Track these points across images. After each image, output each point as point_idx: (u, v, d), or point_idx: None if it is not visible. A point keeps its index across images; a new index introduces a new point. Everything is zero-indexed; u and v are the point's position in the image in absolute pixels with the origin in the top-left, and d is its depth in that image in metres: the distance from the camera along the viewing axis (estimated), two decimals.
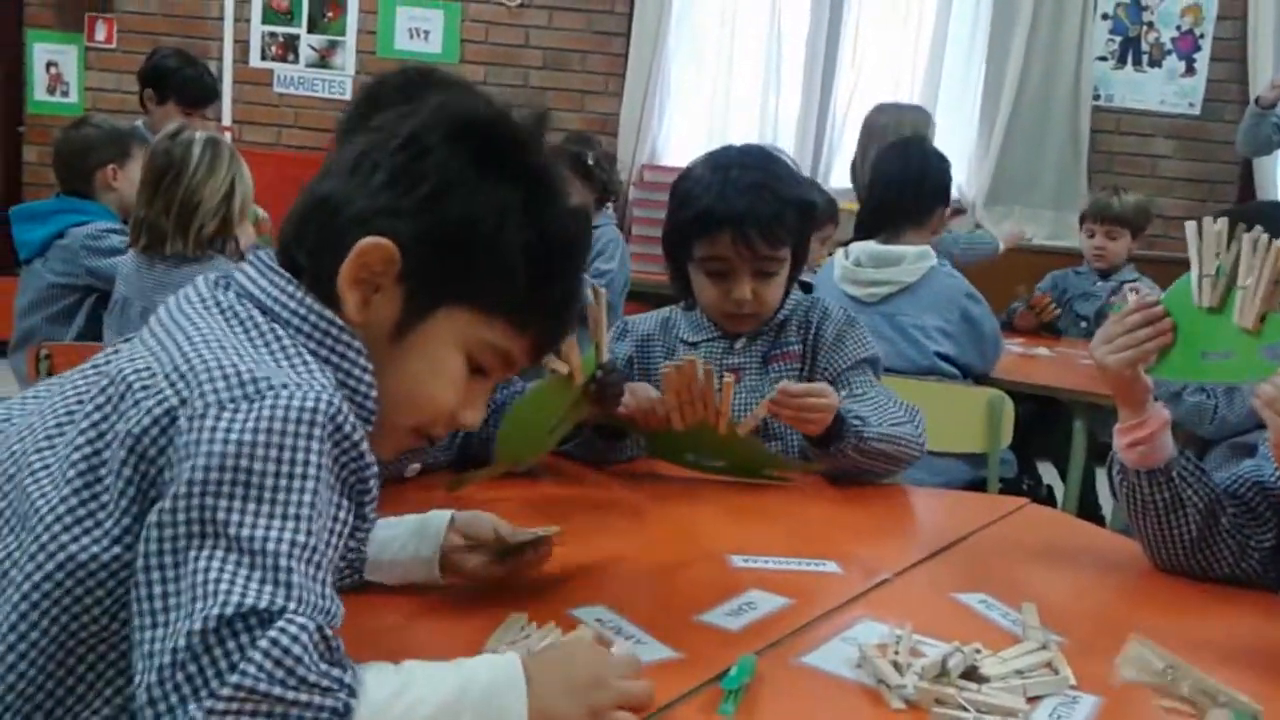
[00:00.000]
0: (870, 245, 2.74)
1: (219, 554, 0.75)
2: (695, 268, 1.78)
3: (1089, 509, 3.26)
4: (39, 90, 5.41)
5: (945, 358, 2.67)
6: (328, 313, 0.89)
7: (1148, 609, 1.32)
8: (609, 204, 4.17)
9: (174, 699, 0.72)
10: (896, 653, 1.03)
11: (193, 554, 0.75)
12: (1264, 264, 1.19)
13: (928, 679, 0.97)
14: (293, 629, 0.74)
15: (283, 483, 0.78)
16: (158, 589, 0.76)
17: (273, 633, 0.73)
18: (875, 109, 4.05)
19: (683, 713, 0.93)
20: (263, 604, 0.74)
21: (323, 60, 5.40)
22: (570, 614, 1.09)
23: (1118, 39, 5.38)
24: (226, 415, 0.78)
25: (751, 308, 1.75)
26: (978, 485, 2.58)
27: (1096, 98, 5.36)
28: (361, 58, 5.37)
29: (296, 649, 0.73)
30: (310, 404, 0.80)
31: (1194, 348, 1.26)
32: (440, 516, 1.17)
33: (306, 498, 0.79)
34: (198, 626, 0.72)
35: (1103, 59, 5.39)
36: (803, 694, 1.00)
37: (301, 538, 0.78)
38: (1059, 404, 3.07)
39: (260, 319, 0.88)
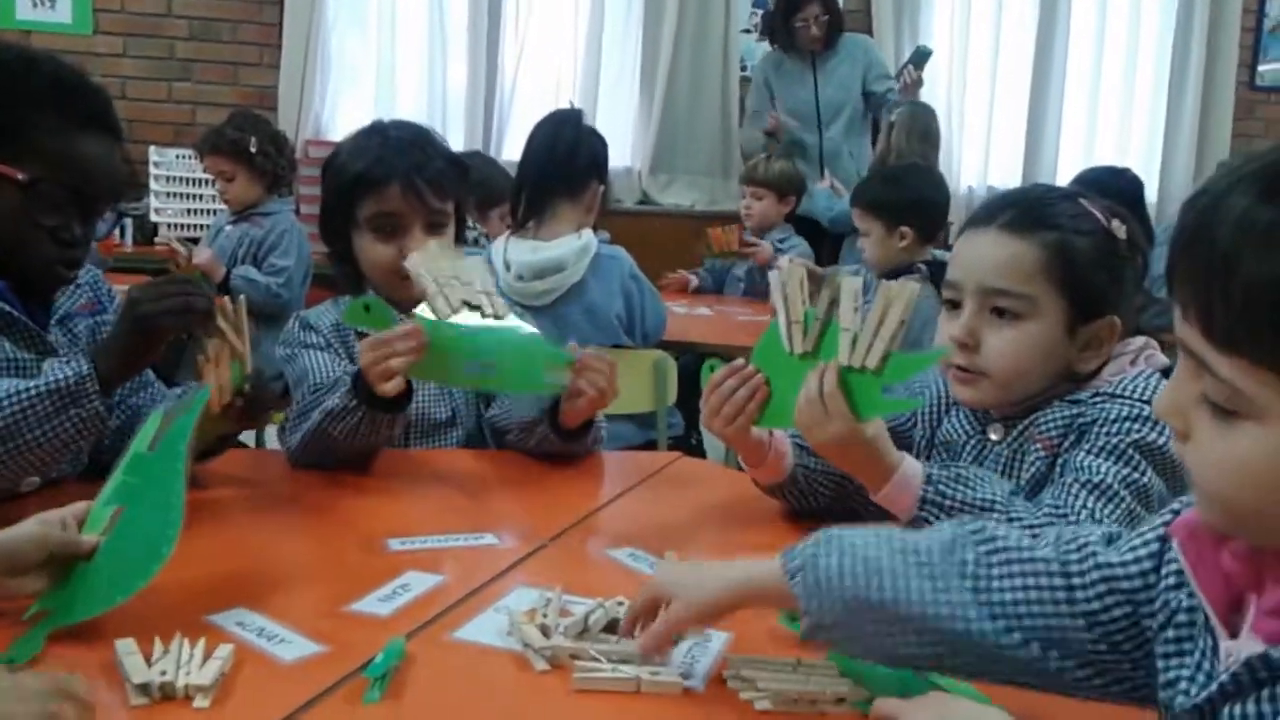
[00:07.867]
0: (526, 254, 2.64)
1: None
2: (361, 232, 1.74)
3: None
4: None
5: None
6: None
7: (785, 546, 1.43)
8: (282, 192, 3.94)
9: None
10: (545, 615, 1.06)
11: None
12: (890, 308, 1.22)
13: (570, 637, 1.01)
14: None
15: None
16: None
17: None
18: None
19: (328, 707, 0.92)
20: None
21: None
22: (208, 620, 1.04)
23: (759, 12, 5.72)
24: None
25: None
26: (649, 445, 2.68)
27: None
28: None
29: None
30: None
31: (790, 394, 1.30)
32: None
33: None
34: None
35: (747, 31, 5.73)
36: (452, 669, 1.01)
37: None
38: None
39: None
